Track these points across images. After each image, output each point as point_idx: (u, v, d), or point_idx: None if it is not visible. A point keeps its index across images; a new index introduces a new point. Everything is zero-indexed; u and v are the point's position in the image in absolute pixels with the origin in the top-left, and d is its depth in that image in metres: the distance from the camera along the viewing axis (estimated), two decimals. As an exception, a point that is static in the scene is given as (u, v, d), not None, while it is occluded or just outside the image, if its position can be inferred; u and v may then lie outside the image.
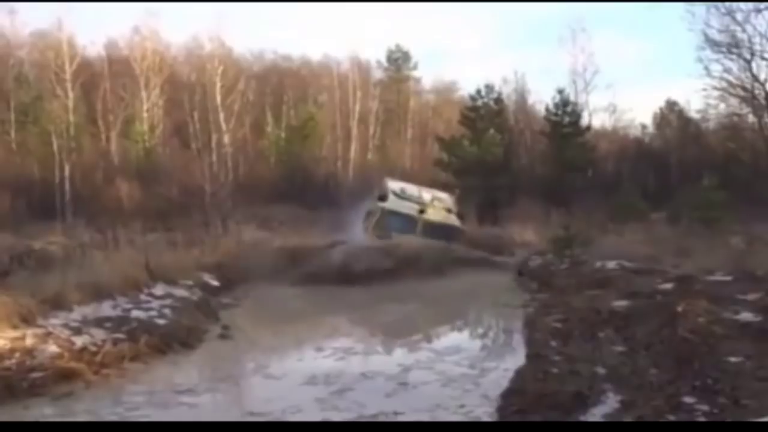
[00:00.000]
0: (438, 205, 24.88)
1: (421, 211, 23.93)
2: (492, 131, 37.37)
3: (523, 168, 40.75)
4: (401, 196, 24.37)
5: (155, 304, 13.97)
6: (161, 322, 12.72)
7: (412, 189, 25.50)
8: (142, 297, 14.50)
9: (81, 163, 37.04)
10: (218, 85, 36.34)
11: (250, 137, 42.28)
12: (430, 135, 45.71)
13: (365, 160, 42.94)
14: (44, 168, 36.32)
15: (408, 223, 23.57)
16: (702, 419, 6.86)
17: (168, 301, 14.30)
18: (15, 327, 11.35)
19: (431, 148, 43.70)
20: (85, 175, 36.61)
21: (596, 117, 45.83)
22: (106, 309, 13.11)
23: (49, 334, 11.25)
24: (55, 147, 35.84)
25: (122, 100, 40.26)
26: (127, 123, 40.31)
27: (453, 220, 24.95)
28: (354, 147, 42.47)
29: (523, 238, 27.18)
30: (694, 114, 41.35)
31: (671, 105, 45.33)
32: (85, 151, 38.41)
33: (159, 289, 15.26)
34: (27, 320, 11.71)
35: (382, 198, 24.16)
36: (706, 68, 30.84)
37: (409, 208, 24.03)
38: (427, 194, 25.47)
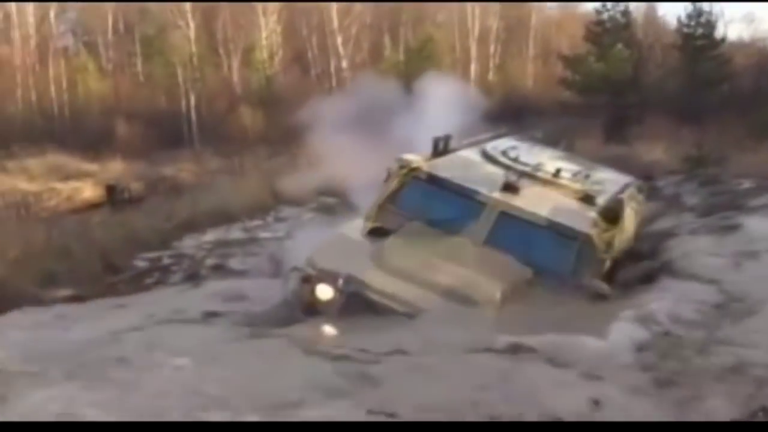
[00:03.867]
0: (564, 182, 9.17)
1: (507, 187, 8.71)
2: (619, 46, 35.56)
3: (653, 84, 38.77)
4: (489, 155, 9.75)
5: (281, 226, 14.17)
6: (288, 243, 12.86)
7: (528, 149, 10.49)
8: (269, 219, 14.75)
9: (205, 93, 37.91)
10: (335, 7, 36.08)
11: (369, 61, 42.01)
12: (553, 52, 44.08)
13: (485, 81, 41.97)
14: (171, 98, 37.42)
15: (462, 208, 8.83)
16: None
17: (293, 223, 14.47)
18: (153, 249, 11.76)
19: (554, 67, 42.20)
20: (210, 104, 37.49)
21: (732, 28, 42.98)
22: (236, 232, 13.40)
23: (183, 255, 11.61)
24: (180, 78, 36.78)
25: (241, 28, 40.69)
26: (248, 51, 40.79)
27: (576, 219, 8.62)
28: (474, 67, 41.57)
29: (652, 157, 25.92)
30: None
31: (817, 11, 41.87)
32: (209, 80, 39.23)
33: (284, 212, 15.47)
34: (164, 243, 12.12)
35: (437, 148, 9.41)
36: None
37: (483, 178, 9.17)
38: (554, 161, 10.04)
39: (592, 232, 8.20)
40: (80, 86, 37.84)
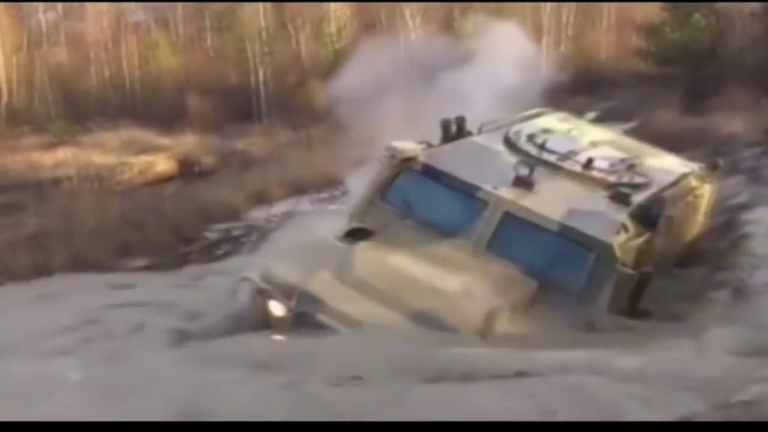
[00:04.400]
0: (595, 174, 7.55)
1: (518, 182, 7.15)
2: (697, 16, 34.40)
3: (732, 55, 37.34)
4: (511, 141, 7.98)
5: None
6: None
7: (567, 132, 8.60)
8: (337, 193, 14.72)
9: (275, 67, 38.05)
10: (404, -21, 35.76)
11: (438, 33, 41.52)
12: (628, 23, 42.82)
13: (558, 52, 41.06)
14: (240, 73, 37.67)
15: (461, 206, 7.29)
16: None
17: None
18: (223, 221, 11.86)
19: (630, 37, 40.99)
20: (279, 78, 37.62)
21: (818, -6, 41.03)
22: (305, 204, 13.43)
23: (252, 227, 11.68)
24: (249, 52, 36.99)
25: (311, 1, 40.64)
26: (317, 25, 40.74)
27: (597, 224, 6.87)
28: (545, 39, 40.69)
29: (730, 130, 24.95)
30: None
31: None
32: (278, 54, 39.35)
33: (353, 185, 15.43)
34: (234, 215, 12.22)
35: (447, 131, 7.94)
36: None
37: (494, 170, 7.37)
38: (593, 148, 8.19)
39: (615, 240, 6.53)
40: (152, 62, 38.39)
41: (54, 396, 4.72)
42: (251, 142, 26.74)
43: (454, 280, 6.41)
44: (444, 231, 7.01)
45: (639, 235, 6.80)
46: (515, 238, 6.89)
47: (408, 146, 7.41)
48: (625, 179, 7.48)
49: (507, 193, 7.04)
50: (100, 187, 19.18)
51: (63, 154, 25.79)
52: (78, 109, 31.52)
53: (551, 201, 6.99)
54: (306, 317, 6.18)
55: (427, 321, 6.09)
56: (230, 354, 5.61)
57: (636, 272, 6.70)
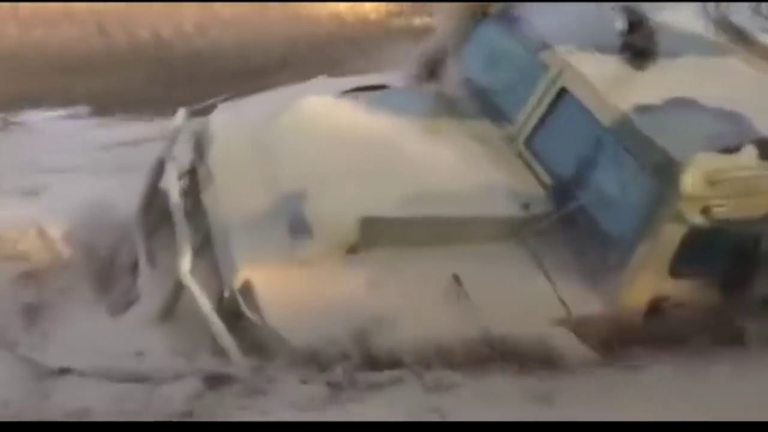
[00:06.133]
0: None
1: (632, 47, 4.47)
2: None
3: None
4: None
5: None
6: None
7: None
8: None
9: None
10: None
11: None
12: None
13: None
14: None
15: (523, 74, 4.76)
16: None
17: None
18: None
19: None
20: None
21: None
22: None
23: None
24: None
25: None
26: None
27: (695, 140, 3.94)
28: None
29: None
30: None
31: None
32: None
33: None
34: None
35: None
36: None
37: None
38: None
39: (701, 167, 3.77)
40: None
41: None
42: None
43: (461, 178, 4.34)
44: (497, 112, 4.86)
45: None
46: (571, 132, 4.41)
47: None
48: None
49: (584, 60, 4.48)
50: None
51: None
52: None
53: (666, 86, 4.29)
54: None
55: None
56: None
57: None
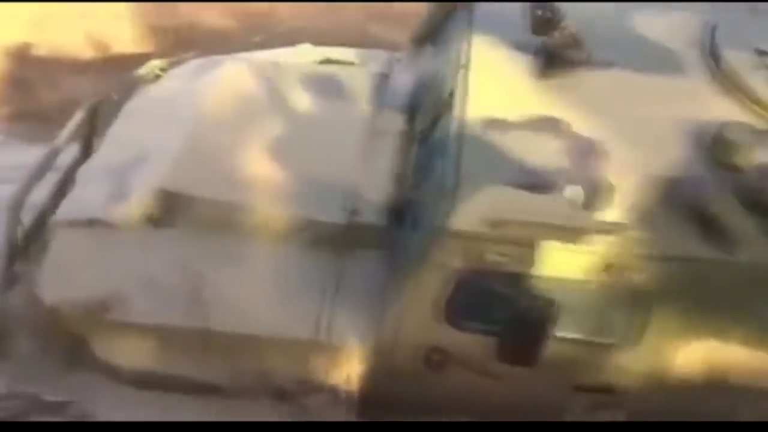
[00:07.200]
0: None
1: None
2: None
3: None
4: None
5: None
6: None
7: None
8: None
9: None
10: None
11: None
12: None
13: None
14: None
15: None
16: None
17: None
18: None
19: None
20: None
21: None
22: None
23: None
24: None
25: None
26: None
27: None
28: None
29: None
30: None
31: None
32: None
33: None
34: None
35: None
36: None
37: None
38: None
39: (480, 202, 3.31)
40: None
41: None
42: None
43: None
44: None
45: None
46: (436, 138, 4.19)
47: None
48: None
49: (487, 61, 4.14)
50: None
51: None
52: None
53: None
54: None
55: None
56: None
57: None
